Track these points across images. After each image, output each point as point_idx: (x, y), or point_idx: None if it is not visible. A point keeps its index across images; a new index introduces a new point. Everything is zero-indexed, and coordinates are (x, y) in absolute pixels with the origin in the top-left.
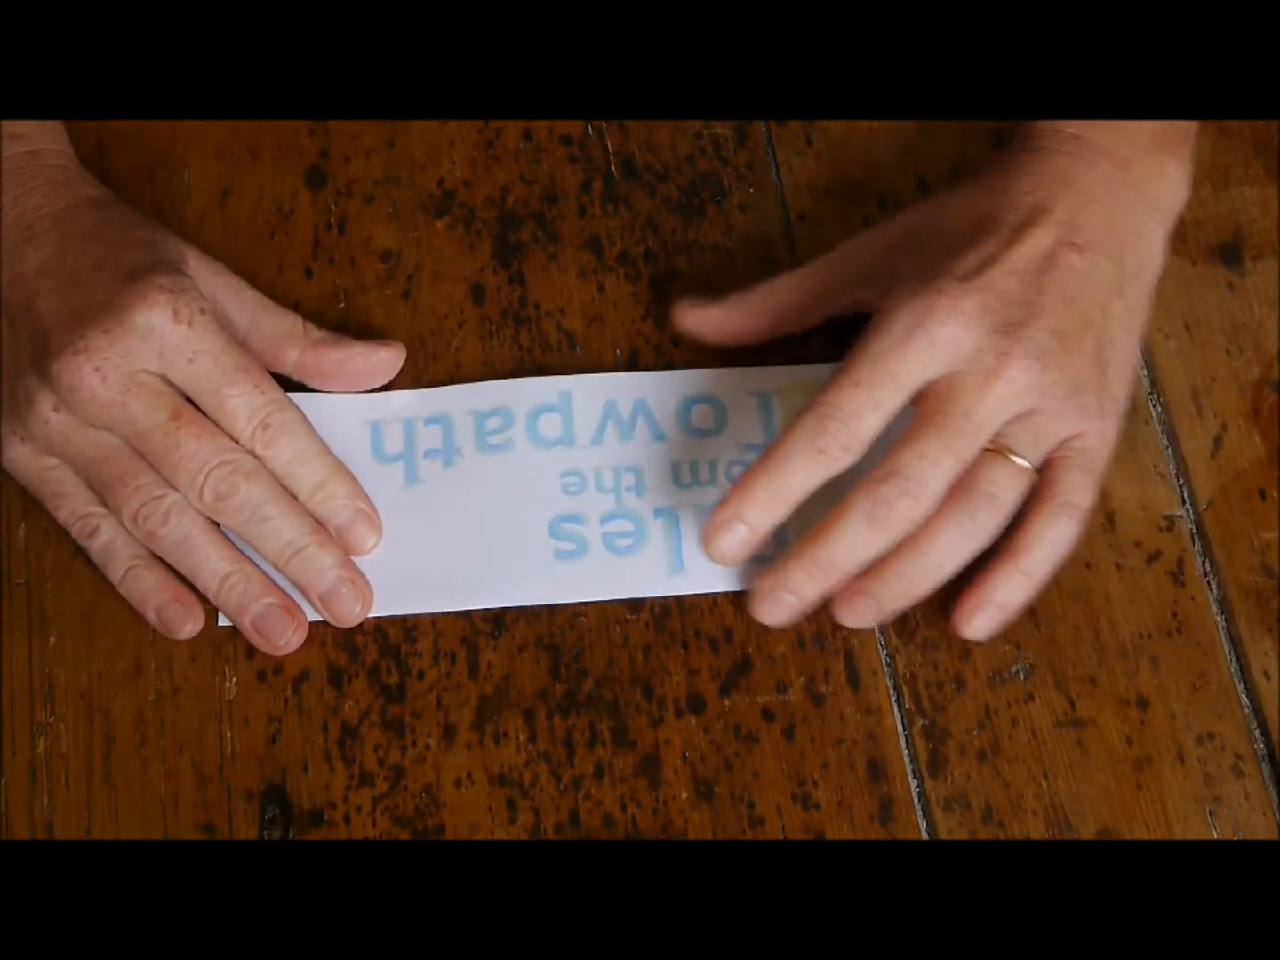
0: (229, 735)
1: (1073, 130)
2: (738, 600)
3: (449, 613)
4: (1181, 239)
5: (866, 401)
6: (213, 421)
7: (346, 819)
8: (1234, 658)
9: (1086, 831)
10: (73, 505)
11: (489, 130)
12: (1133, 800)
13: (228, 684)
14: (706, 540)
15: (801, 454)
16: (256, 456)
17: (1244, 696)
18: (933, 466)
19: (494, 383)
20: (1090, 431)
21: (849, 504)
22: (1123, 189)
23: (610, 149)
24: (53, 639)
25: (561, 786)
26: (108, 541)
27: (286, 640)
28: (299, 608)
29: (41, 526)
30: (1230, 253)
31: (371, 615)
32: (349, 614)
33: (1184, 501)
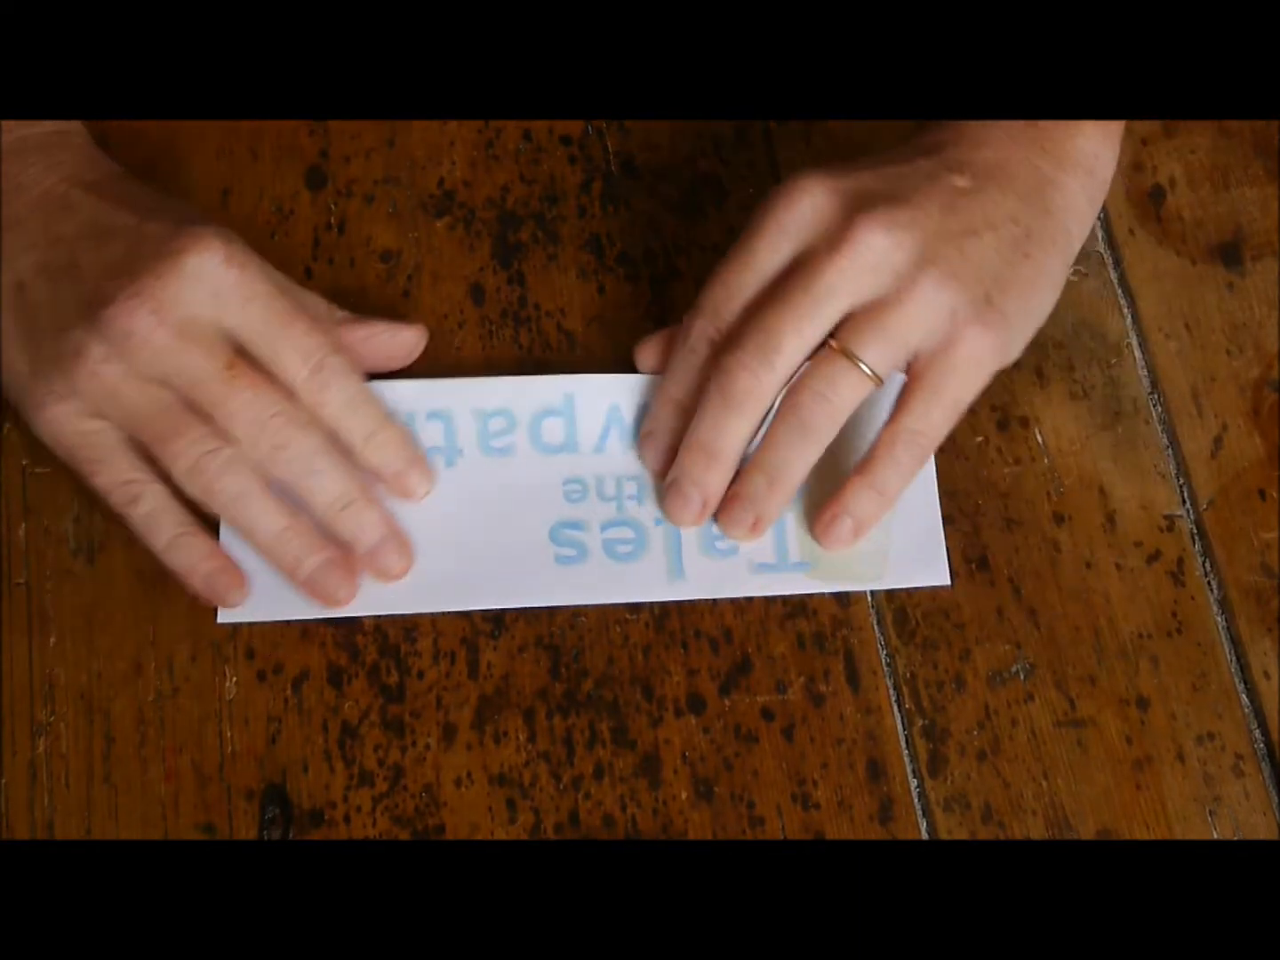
0: (229, 735)
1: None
2: (738, 600)
3: (449, 613)
4: (1181, 239)
5: (724, 295)
6: (266, 368)
7: (346, 819)
8: (1234, 658)
9: (1086, 831)
10: (113, 471)
11: (489, 130)
12: (1133, 800)
13: (228, 684)
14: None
15: (679, 358)
16: (310, 403)
17: (1244, 696)
18: (769, 339)
19: (498, 379)
20: (959, 342)
21: (706, 385)
22: (1023, 140)
23: (610, 149)
24: (53, 639)
25: (561, 786)
26: (151, 510)
27: (341, 594)
28: (353, 562)
29: (42, 526)
30: (1230, 253)
31: (372, 614)
32: (392, 568)
33: (1184, 501)
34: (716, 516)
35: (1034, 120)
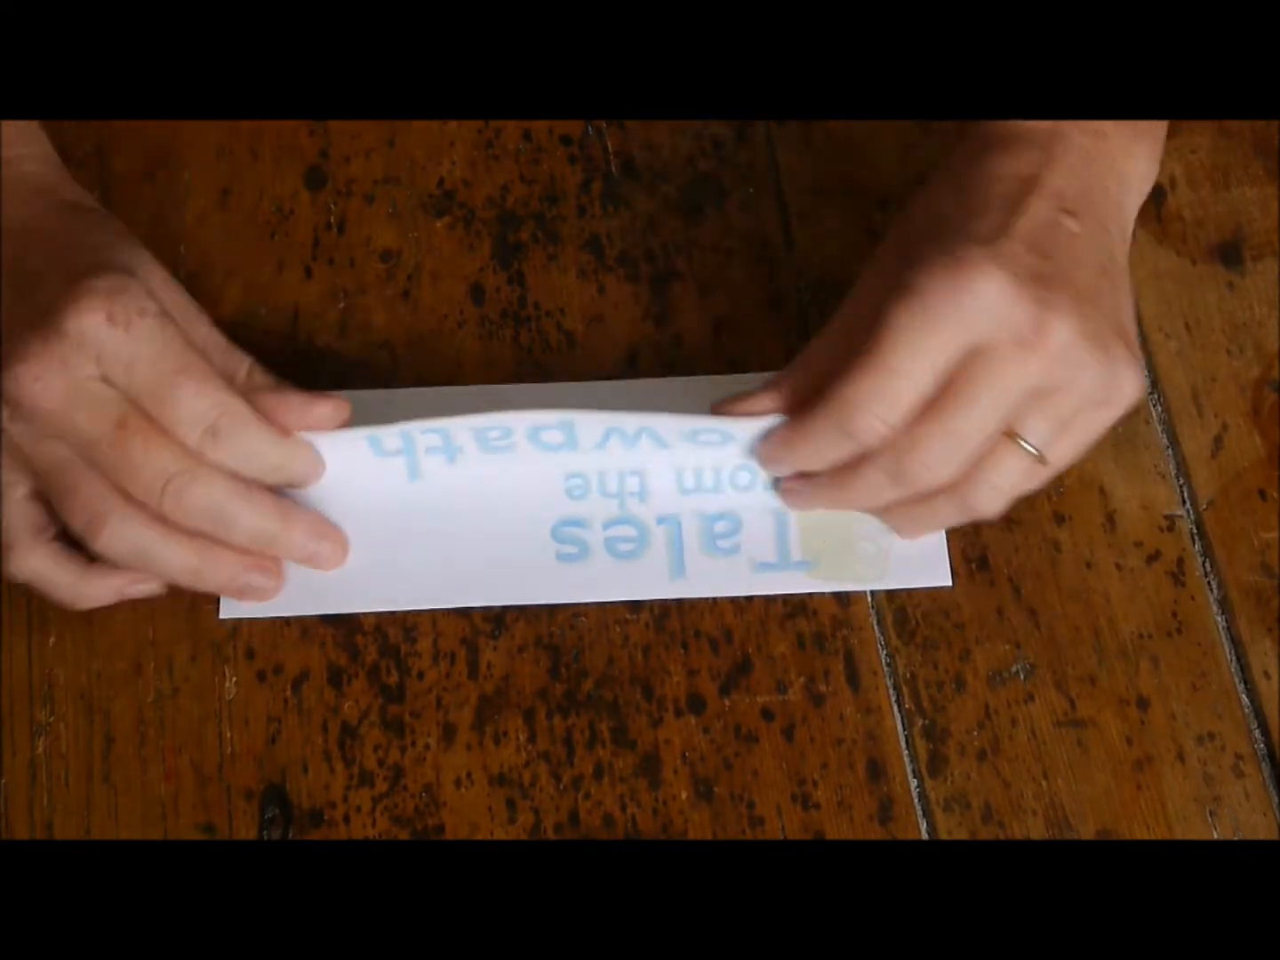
0: (229, 735)
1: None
2: (738, 600)
3: (449, 613)
4: (1181, 239)
5: (895, 387)
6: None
7: (346, 819)
8: (1234, 658)
9: (1086, 831)
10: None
11: (489, 130)
12: (1133, 800)
13: (228, 684)
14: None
15: (830, 439)
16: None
17: (1244, 696)
18: (960, 443)
19: (494, 415)
20: (1111, 404)
21: (871, 464)
22: (1099, 160)
23: (610, 149)
24: (53, 639)
25: (561, 786)
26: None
27: (272, 592)
28: (268, 562)
29: None
30: (1230, 253)
31: (374, 610)
32: (333, 565)
33: (1184, 501)
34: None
35: (1092, 128)
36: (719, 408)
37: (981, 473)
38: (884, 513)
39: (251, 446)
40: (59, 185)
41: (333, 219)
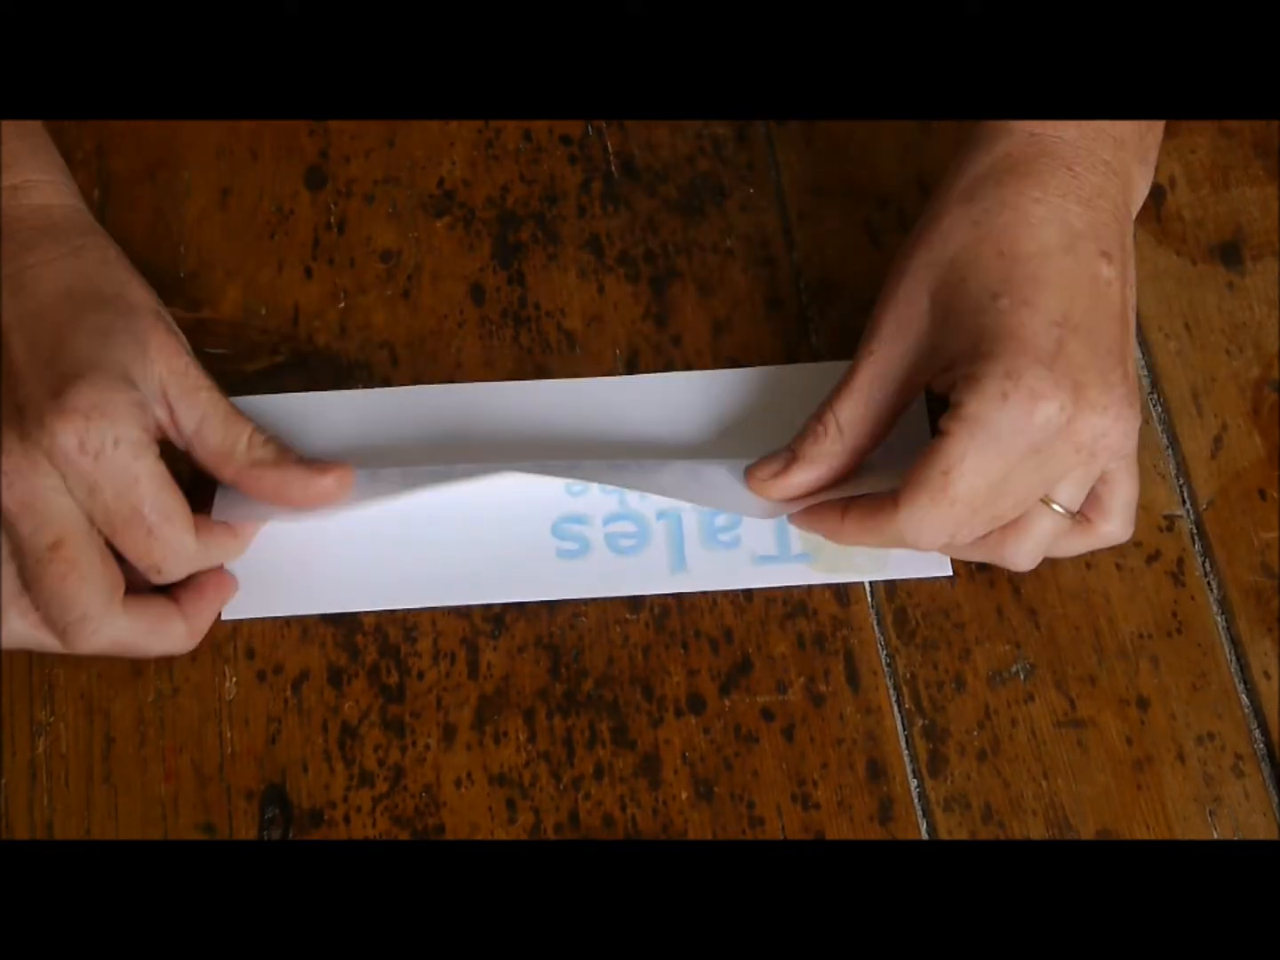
0: (229, 735)
1: (1051, 131)
2: (738, 600)
3: (449, 613)
4: (1181, 239)
5: (958, 516)
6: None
7: (346, 819)
8: (1234, 658)
9: (1086, 831)
10: None
11: (489, 130)
12: (1133, 800)
13: (228, 684)
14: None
15: (888, 544)
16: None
17: (1244, 696)
18: (997, 516)
19: (492, 472)
20: (1120, 435)
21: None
22: (1110, 190)
23: (610, 149)
24: None
25: (561, 786)
26: None
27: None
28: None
29: None
30: (1230, 253)
31: (375, 609)
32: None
33: (1184, 501)
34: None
35: (1121, 142)
36: (753, 474)
37: (1015, 535)
38: None
39: (188, 573)
40: (63, 225)
41: (333, 219)
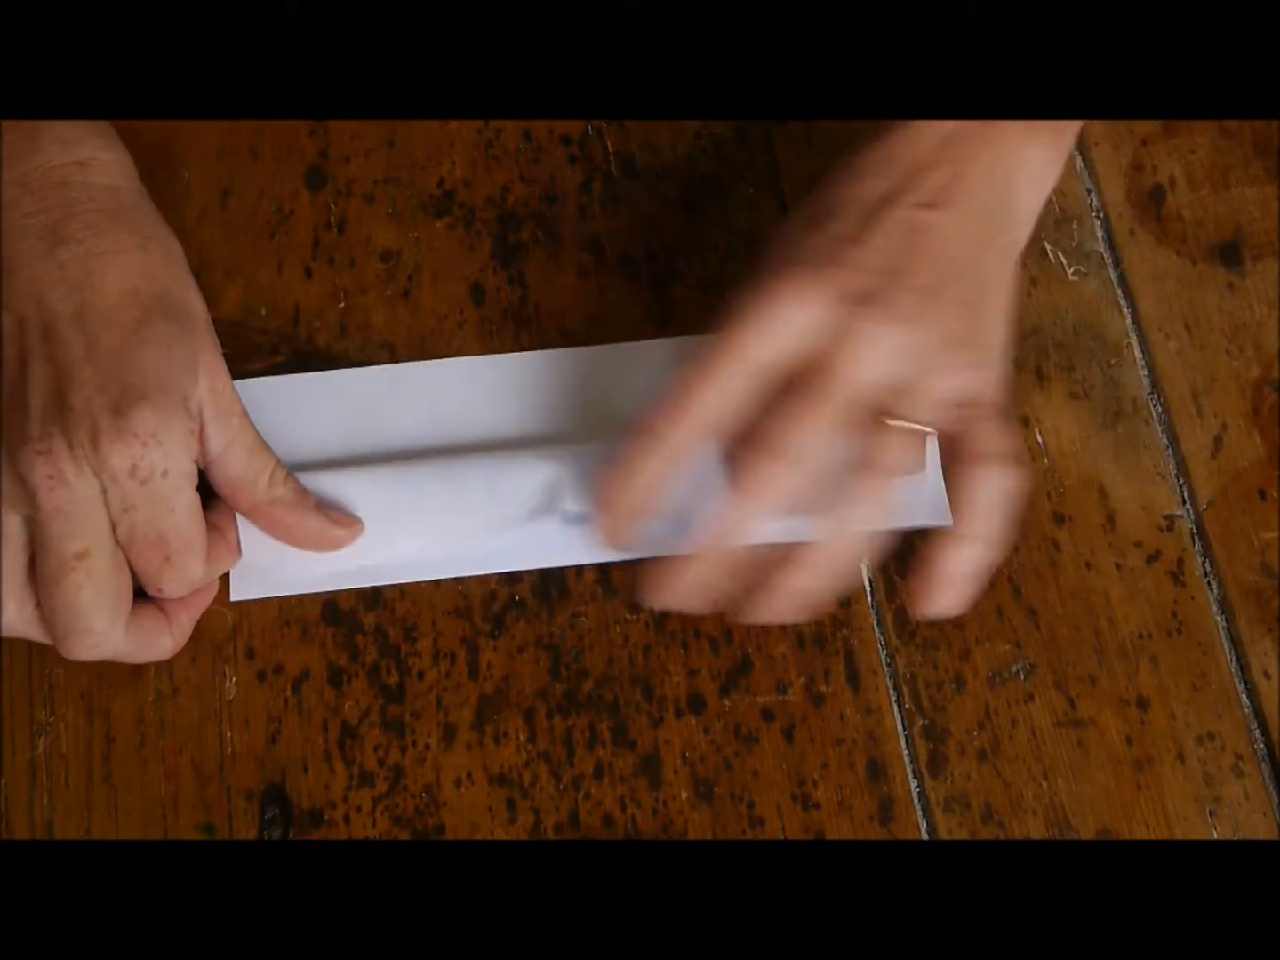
0: (229, 735)
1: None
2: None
3: (449, 613)
4: (1181, 239)
5: (710, 386)
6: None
7: (346, 819)
8: (1234, 658)
9: (1086, 831)
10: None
11: (489, 130)
12: (1133, 800)
13: (228, 684)
14: (597, 532)
15: (650, 445)
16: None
17: (1244, 696)
18: (804, 447)
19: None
20: (972, 385)
21: (731, 482)
22: (978, 146)
23: (610, 149)
24: None
25: (561, 786)
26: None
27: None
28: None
29: None
30: (1230, 253)
31: (376, 584)
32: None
33: (1184, 501)
34: (745, 611)
35: (989, 121)
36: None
37: (871, 458)
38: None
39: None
40: (134, 211)
41: (333, 219)
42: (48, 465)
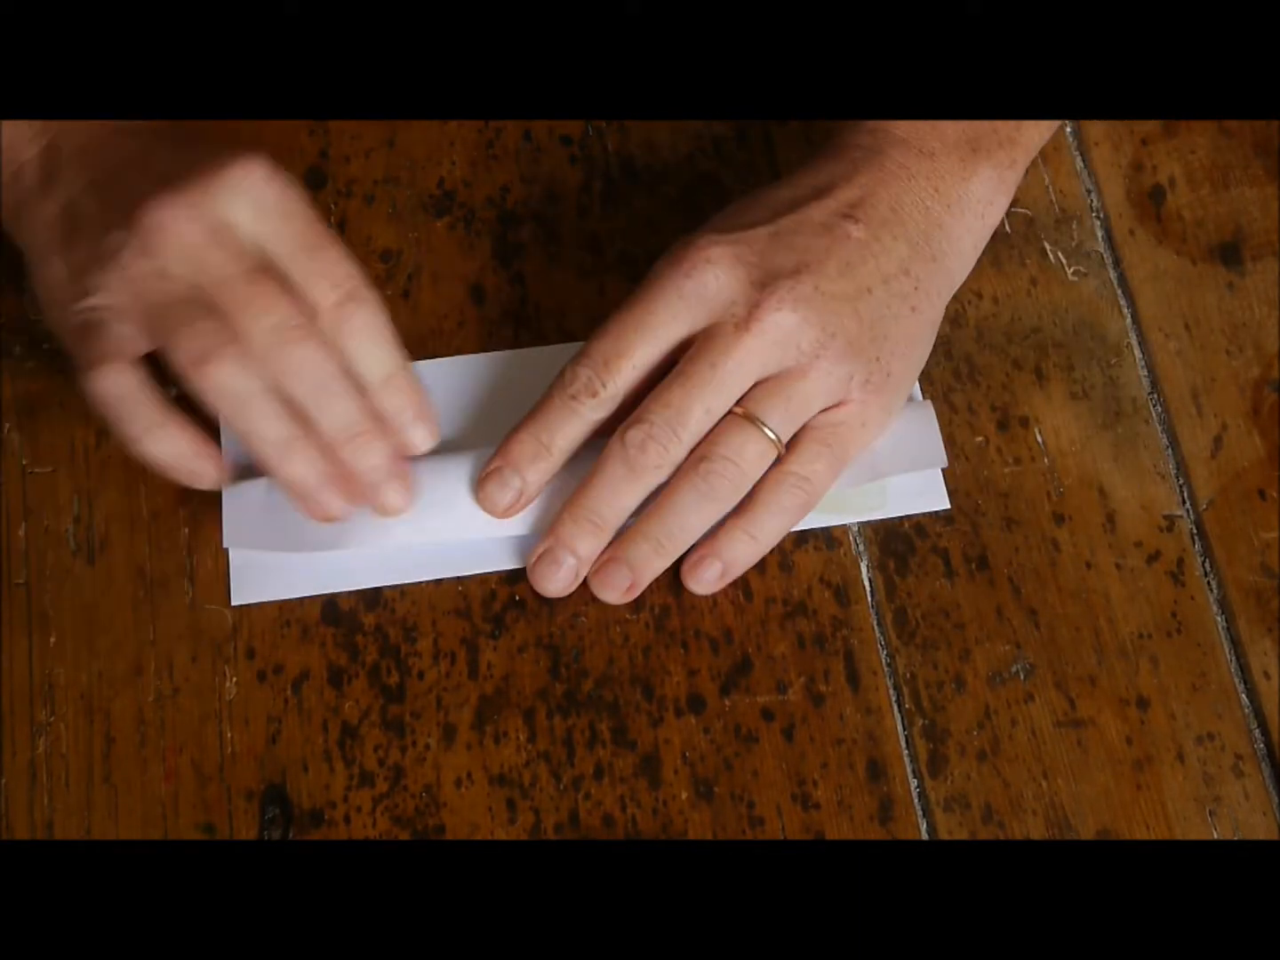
0: (229, 735)
1: (874, 123)
2: (738, 600)
3: (449, 613)
4: (1181, 239)
5: (614, 350)
6: (293, 288)
7: (346, 819)
8: (1234, 658)
9: (1086, 831)
10: (111, 355)
11: (489, 130)
12: (1133, 800)
13: (228, 684)
14: (478, 490)
15: (555, 404)
16: (333, 331)
17: (1244, 696)
18: (678, 415)
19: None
20: (850, 403)
21: (605, 454)
22: (920, 178)
23: (610, 149)
24: (53, 639)
25: (561, 786)
26: (125, 394)
27: (335, 512)
28: (354, 486)
29: (42, 526)
30: (1230, 253)
31: (381, 584)
32: (392, 504)
33: (1184, 501)
34: (588, 578)
35: (930, 153)
36: None
37: (713, 446)
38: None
39: (378, 328)
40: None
41: (333, 219)
42: (182, 202)
